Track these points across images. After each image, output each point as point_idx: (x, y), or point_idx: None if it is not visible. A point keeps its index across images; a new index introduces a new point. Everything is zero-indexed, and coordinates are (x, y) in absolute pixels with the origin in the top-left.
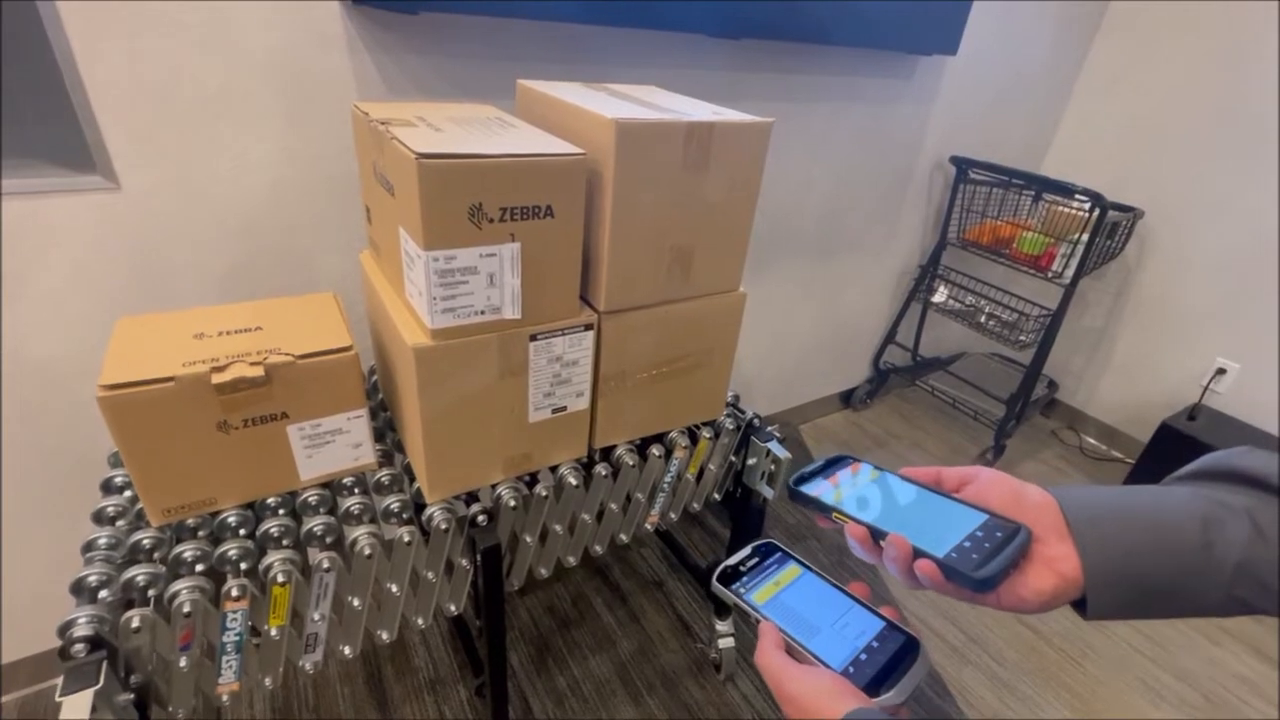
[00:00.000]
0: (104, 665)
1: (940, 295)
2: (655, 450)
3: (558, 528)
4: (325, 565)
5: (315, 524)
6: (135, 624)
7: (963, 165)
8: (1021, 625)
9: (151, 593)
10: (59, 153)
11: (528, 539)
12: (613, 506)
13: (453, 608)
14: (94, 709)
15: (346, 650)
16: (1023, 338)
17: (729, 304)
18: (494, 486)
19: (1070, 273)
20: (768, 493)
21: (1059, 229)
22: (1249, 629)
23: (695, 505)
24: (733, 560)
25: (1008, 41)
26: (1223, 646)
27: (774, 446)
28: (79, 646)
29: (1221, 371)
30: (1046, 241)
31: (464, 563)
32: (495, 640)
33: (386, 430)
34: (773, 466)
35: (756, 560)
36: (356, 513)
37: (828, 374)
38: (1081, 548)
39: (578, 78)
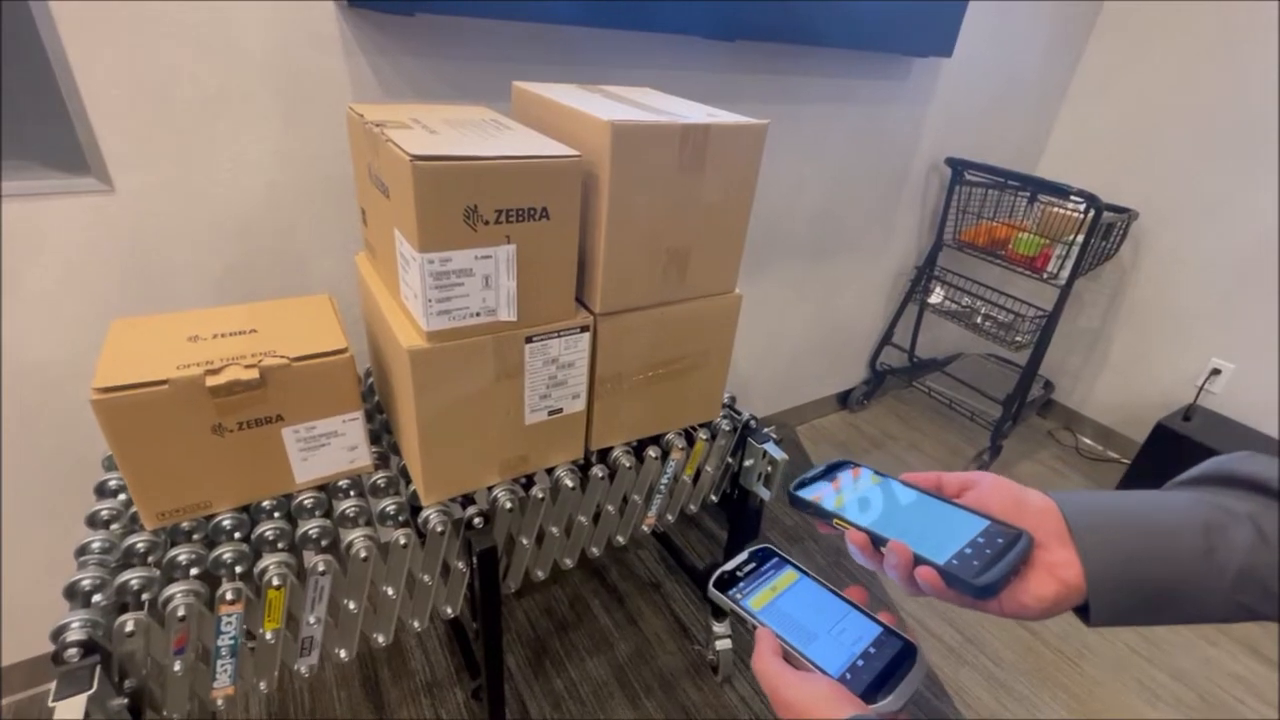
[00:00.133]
0: (97, 670)
1: (936, 296)
2: (652, 452)
3: (554, 530)
4: (321, 568)
5: (310, 527)
6: (129, 628)
7: (958, 167)
8: (1018, 626)
9: (146, 596)
10: (52, 155)
11: (524, 541)
12: (609, 508)
13: (449, 610)
14: (87, 714)
15: (342, 653)
16: (1019, 338)
17: (725, 305)
18: (490, 489)
19: (1066, 274)
20: (764, 494)
21: (1054, 230)
22: (1245, 629)
23: (692, 507)
24: (729, 566)
25: (1002, 43)
26: (1219, 646)
27: (770, 448)
28: (72, 651)
29: (1216, 372)
30: (1042, 243)
31: (460, 565)
32: (492, 642)
33: (382, 432)
34: (769, 468)
35: (753, 565)
36: (352, 515)
37: (824, 375)
38: (1083, 553)
39: (574, 79)
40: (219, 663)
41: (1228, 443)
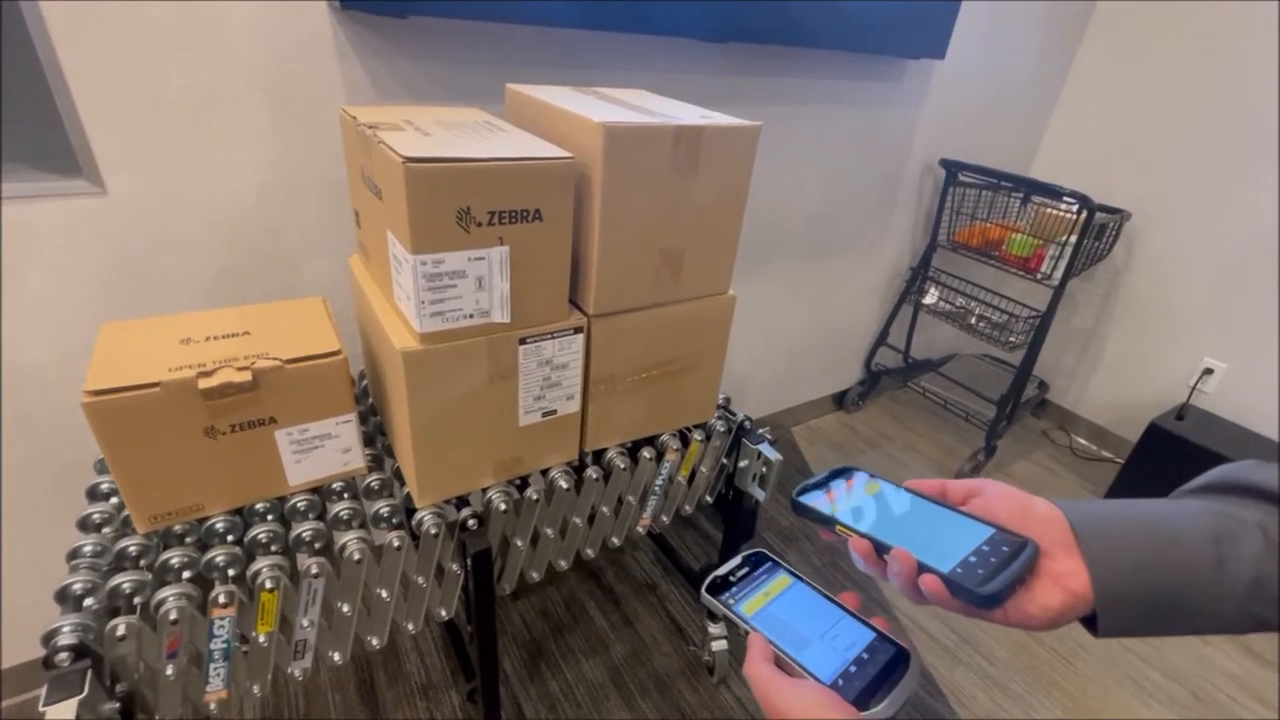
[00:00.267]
0: (88, 674)
1: (931, 297)
2: (646, 453)
3: (549, 531)
4: (314, 571)
5: (304, 529)
6: (121, 632)
7: (952, 168)
8: None
9: (138, 600)
10: (44, 157)
11: (519, 543)
12: (604, 510)
13: (443, 612)
14: (78, 718)
15: (336, 656)
16: (1013, 339)
17: (719, 306)
18: (484, 490)
19: (1059, 274)
20: (760, 495)
21: (1047, 231)
22: None
23: (687, 508)
24: (722, 570)
25: (995, 45)
26: (1213, 645)
27: (765, 448)
28: (63, 655)
29: (1209, 371)
30: (1035, 243)
31: (454, 567)
32: (487, 644)
33: (376, 435)
34: (764, 469)
35: (747, 570)
36: (346, 518)
37: (820, 376)
38: (1091, 563)
39: (568, 81)
40: (212, 666)
41: (1220, 442)
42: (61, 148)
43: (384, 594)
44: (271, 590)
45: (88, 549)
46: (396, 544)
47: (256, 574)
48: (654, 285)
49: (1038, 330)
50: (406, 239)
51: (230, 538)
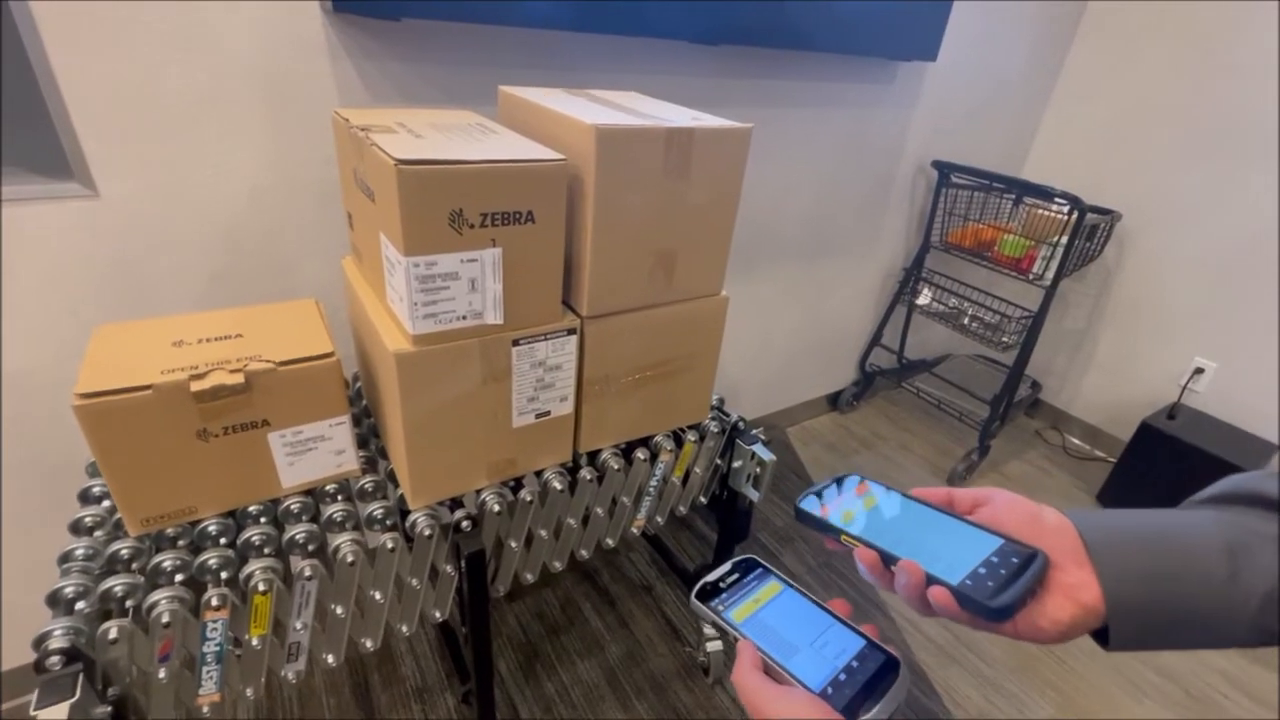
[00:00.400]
0: (80, 678)
1: (924, 298)
2: (640, 454)
3: (543, 532)
4: (307, 573)
5: (297, 532)
6: (113, 635)
7: (944, 169)
8: None
9: (130, 603)
10: (36, 160)
11: (513, 544)
12: (598, 511)
13: (437, 614)
14: None
15: (330, 659)
16: (1005, 339)
17: (712, 308)
18: (478, 492)
19: (1050, 275)
20: (754, 495)
21: (1039, 232)
22: None
23: (682, 509)
24: (712, 577)
25: (987, 47)
26: None
27: (759, 449)
28: (54, 659)
29: (1199, 371)
30: (1027, 244)
31: (448, 569)
32: (481, 646)
33: (370, 436)
34: (758, 469)
35: (737, 576)
36: (339, 520)
37: (814, 377)
38: (1101, 575)
39: (561, 83)
40: (204, 669)
41: (1211, 441)
42: (53, 150)
43: (378, 596)
44: (265, 593)
45: (79, 552)
46: (390, 546)
47: (249, 576)
48: (647, 286)
49: (1030, 330)
50: (399, 241)
51: (223, 540)
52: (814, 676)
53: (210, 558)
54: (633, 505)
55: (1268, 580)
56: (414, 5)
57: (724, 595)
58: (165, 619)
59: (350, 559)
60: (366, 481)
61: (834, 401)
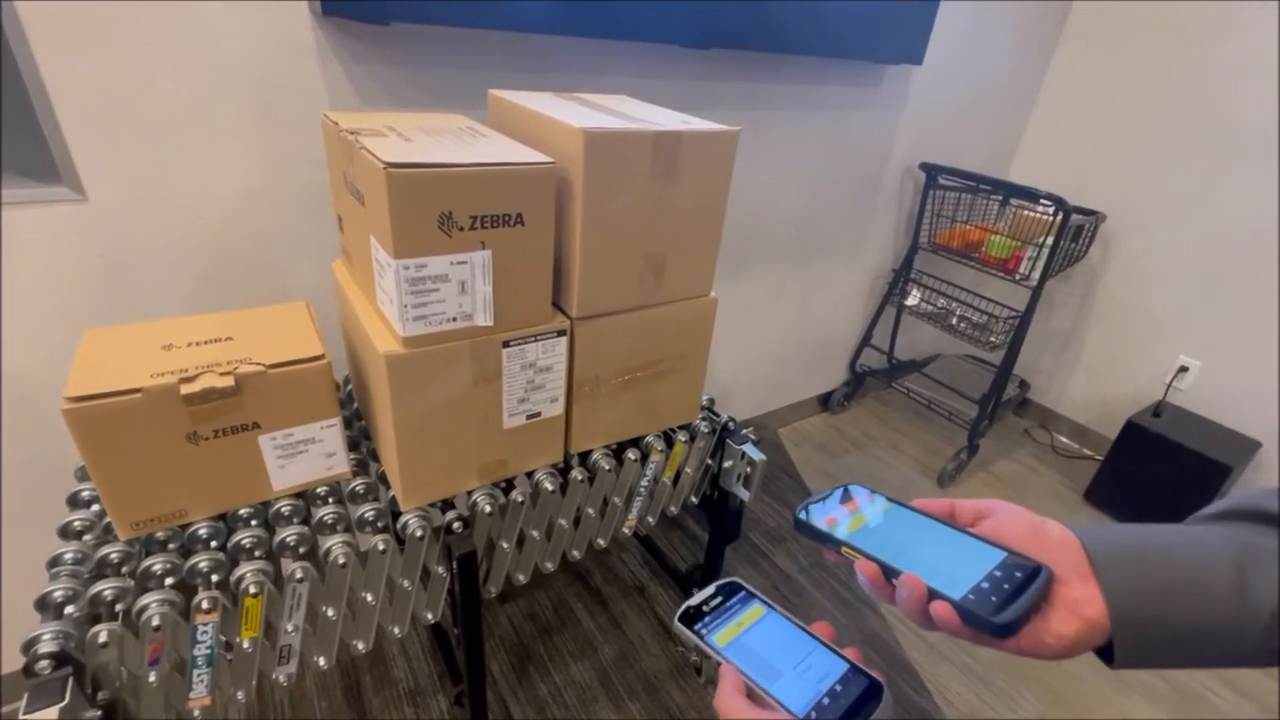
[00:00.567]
0: (70, 681)
1: (913, 298)
2: (631, 454)
3: (534, 533)
4: (298, 575)
5: (288, 534)
6: (102, 639)
7: (932, 171)
8: None
9: (119, 607)
10: (24, 163)
11: (504, 545)
12: (589, 511)
13: (429, 616)
14: None
15: (321, 661)
16: (993, 339)
17: (701, 309)
18: (469, 493)
19: (1037, 275)
20: (744, 495)
21: (1025, 233)
22: None
23: (673, 509)
24: (695, 600)
25: (972, 50)
26: None
27: (749, 449)
28: (43, 663)
29: (1184, 369)
30: (1013, 245)
31: (440, 570)
32: (473, 647)
33: (361, 439)
34: (749, 469)
35: (720, 600)
36: (330, 522)
37: (805, 378)
38: (1106, 589)
39: (550, 87)
40: (195, 673)
41: (1196, 438)
42: (41, 154)
43: (369, 598)
44: (255, 595)
45: (68, 556)
46: (381, 547)
47: (240, 579)
48: (636, 288)
49: (1017, 330)
50: (389, 243)
51: (213, 543)
52: (797, 701)
53: (201, 561)
54: (624, 506)
55: (1276, 597)
56: (403, 9)
57: (707, 619)
58: (155, 622)
59: (341, 561)
60: (358, 483)
61: (825, 402)
